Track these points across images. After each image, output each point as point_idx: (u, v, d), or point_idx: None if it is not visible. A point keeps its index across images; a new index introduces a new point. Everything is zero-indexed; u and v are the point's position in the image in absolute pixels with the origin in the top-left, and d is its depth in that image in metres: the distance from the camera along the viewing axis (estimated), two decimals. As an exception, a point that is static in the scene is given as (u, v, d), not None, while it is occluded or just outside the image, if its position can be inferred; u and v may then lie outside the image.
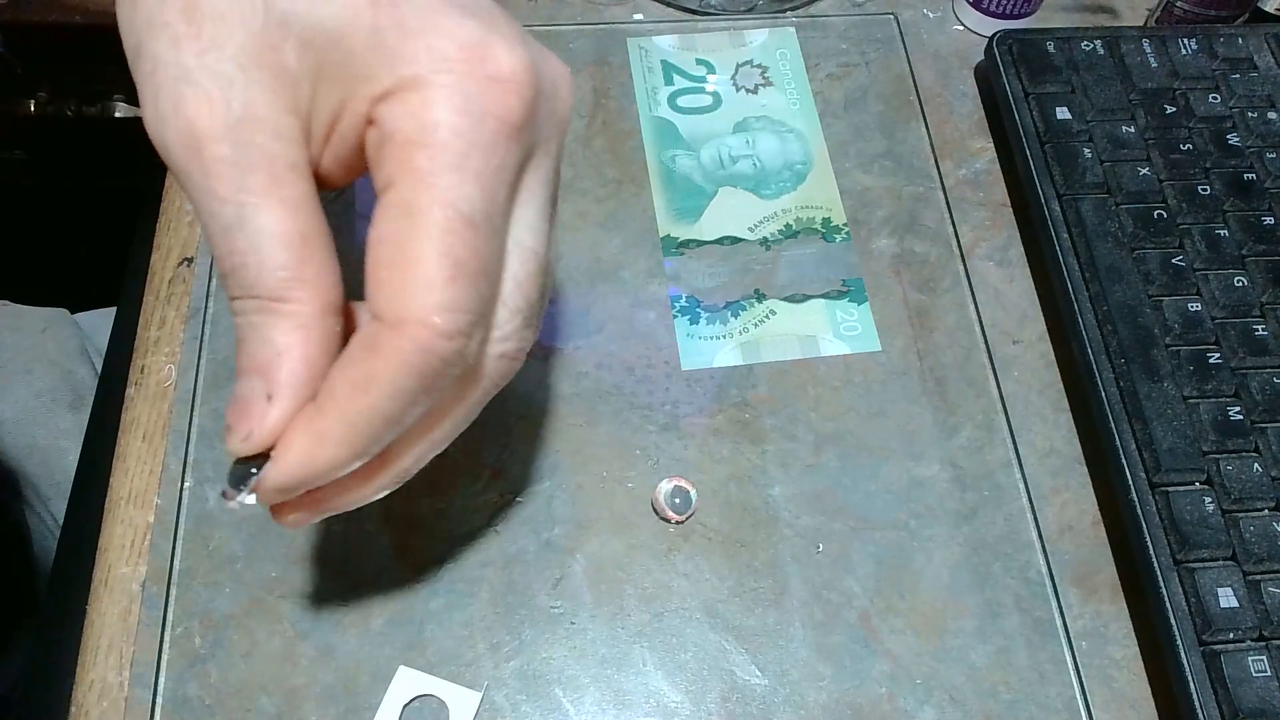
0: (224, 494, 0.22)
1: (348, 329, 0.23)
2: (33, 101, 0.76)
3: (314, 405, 0.21)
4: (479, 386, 0.23)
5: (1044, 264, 0.39)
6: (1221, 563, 0.32)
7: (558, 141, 0.23)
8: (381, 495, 0.25)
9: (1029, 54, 0.42)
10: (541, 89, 0.22)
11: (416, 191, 0.20)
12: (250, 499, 0.22)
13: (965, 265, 0.40)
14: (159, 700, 0.30)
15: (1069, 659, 0.33)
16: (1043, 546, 0.34)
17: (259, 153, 0.20)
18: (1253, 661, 0.30)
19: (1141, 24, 0.46)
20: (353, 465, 0.22)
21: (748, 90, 0.44)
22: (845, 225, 0.41)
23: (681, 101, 0.43)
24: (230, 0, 0.20)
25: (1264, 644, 0.31)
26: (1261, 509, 0.33)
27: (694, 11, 0.46)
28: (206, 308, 0.37)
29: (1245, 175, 0.39)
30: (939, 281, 0.40)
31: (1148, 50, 0.42)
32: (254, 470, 0.22)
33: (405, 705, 0.31)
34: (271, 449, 0.22)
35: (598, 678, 0.32)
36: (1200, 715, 0.30)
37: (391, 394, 0.21)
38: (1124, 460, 0.33)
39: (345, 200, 0.40)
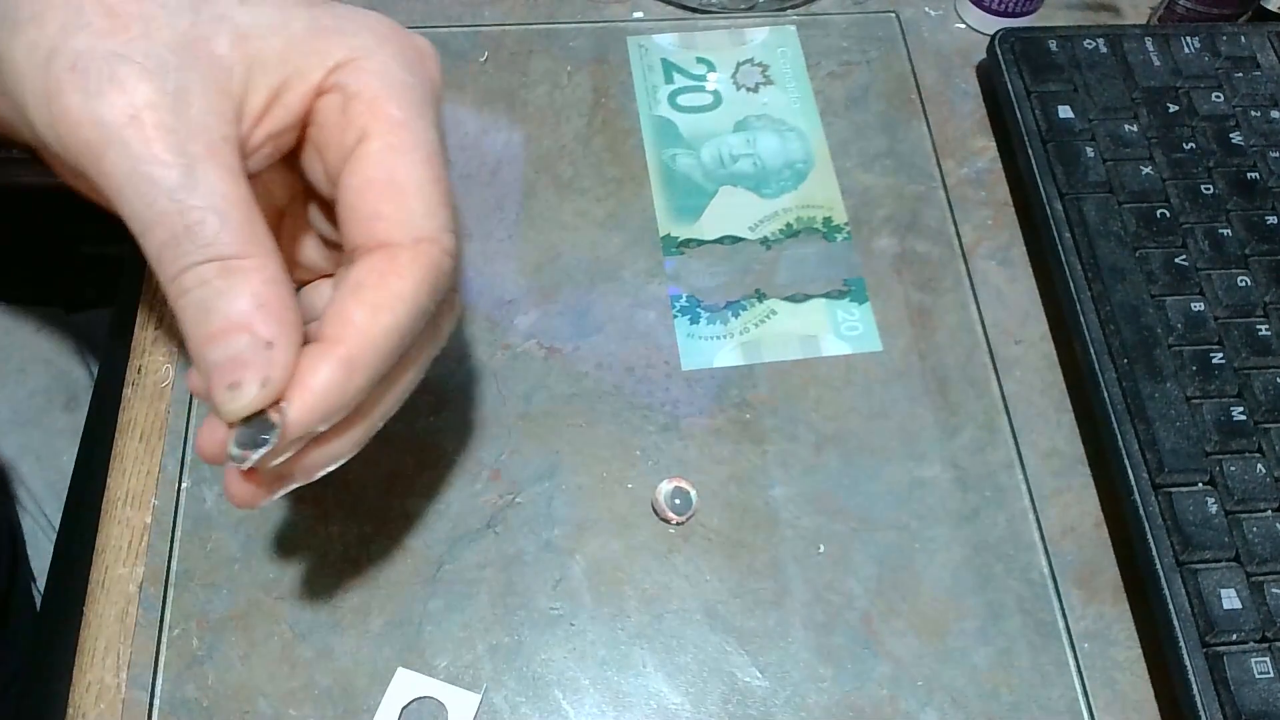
0: (232, 457, 0.22)
1: None
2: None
3: (323, 341, 0.22)
4: (453, 314, 0.26)
5: (1046, 263, 0.39)
6: (1224, 564, 0.32)
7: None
8: (354, 452, 0.25)
9: (1031, 52, 0.42)
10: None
11: (398, 134, 0.23)
12: (261, 453, 0.22)
13: (967, 265, 0.40)
14: (156, 702, 0.30)
15: (1071, 660, 0.32)
16: (1045, 547, 0.34)
17: (197, 122, 0.21)
18: (1255, 663, 0.30)
19: (1144, 22, 0.46)
20: (370, 390, 0.23)
21: (748, 89, 0.44)
22: (846, 224, 0.40)
23: (682, 100, 0.43)
24: (156, 4, 0.21)
25: (1267, 645, 0.30)
26: (1265, 510, 0.33)
27: (694, 10, 0.46)
28: (204, 307, 0.37)
29: (1248, 174, 0.39)
30: (940, 281, 0.39)
31: (1150, 49, 0.42)
32: (272, 420, 0.21)
33: (404, 707, 0.30)
34: (277, 402, 0.21)
35: (597, 679, 0.31)
36: (1203, 717, 0.30)
37: (413, 309, 0.22)
38: (1126, 461, 0.33)
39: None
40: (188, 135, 0.21)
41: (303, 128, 0.24)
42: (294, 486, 0.24)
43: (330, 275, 0.28)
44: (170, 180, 0.21)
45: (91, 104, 0.20)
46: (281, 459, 0.23)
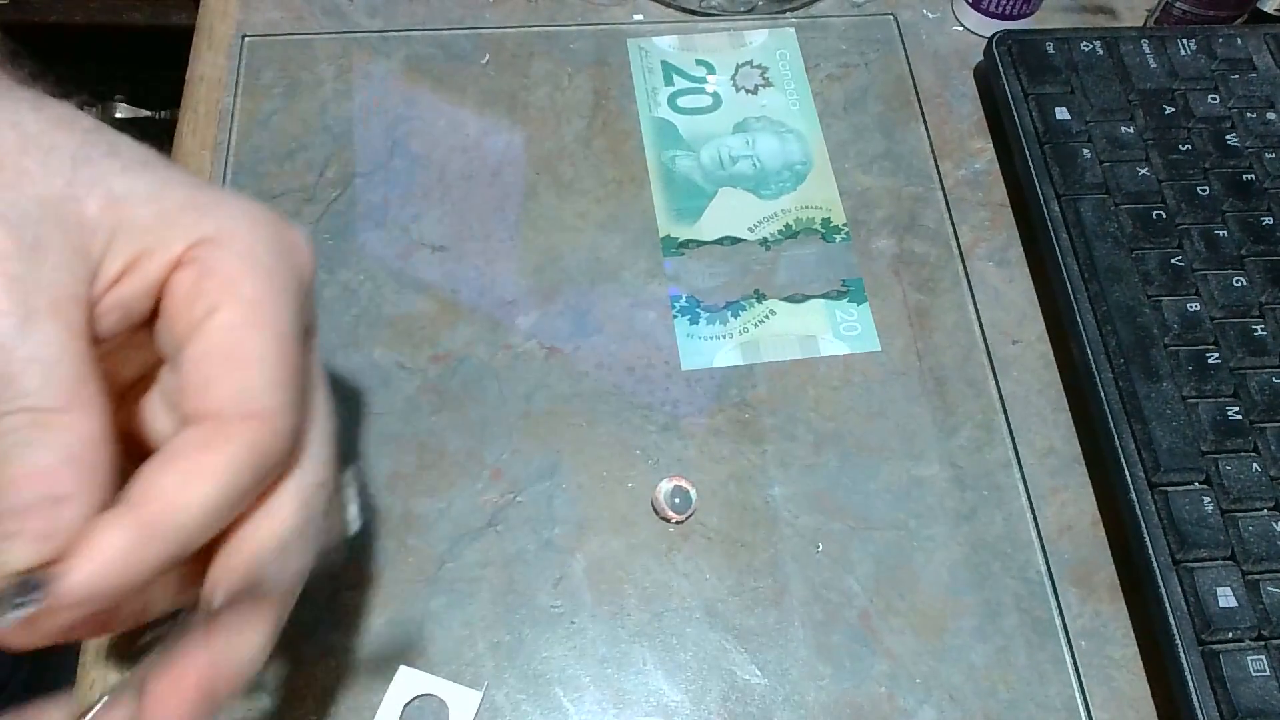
0: None
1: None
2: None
3: (124, 505, 0.20)
4: (318, 500, 0.24)
5: (1043, 264, 0.39)
6: (1220, 562, 0.32)
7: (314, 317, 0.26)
8: (267, 644, 0.23)
9: (1028, 55, 0.42)
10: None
11: (248, 311, 0.22)
12: (21, 614, 0.19)
13: (965, 265, 0.40)
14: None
15: (1068, 658, 0.33)
16: (1042, 546, 0.34)
17: (48, 279, 0.21)
18: (1252, 661, 0.30)
19: (1140, 25, 0.46)
20: (168, 566, 0.21)
21: (747, 91, 0.44)
22: (845, 225, 0.41)
23: (681, 102, 0.44)
24: (36, 159, 0.21)
25: (1263, 644, 0.31)
26: (1260, 509, 0.33)
27: (694, 12, 0.46)
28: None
29: (1244, 175, 0.39)
30: (938, 282, 0.40)
31: (1147, 51, 0.42)
32: (38, 580, 0.19)
33: (406, 705, 0.31)
34: (52, 564, 0.19)
35: (598, 677, 0.32)
36: (1199, 715, 0.30)
37: (228, 485, 0.21)
38: (1123, 460, 0.34)
39: (348, 199, 0.40)
40: (33, 288, 0.20)
41: (157, 300, 0.23)
42: (221, 700, 0.22)
43: None
44: (2, 327, 0.20)
45: None
46: (58, 626, 0.20)
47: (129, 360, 0.25)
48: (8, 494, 0.20)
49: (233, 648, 0.23)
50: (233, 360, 0.22)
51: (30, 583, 0.19)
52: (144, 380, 0.26)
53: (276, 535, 0.23)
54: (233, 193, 0.25)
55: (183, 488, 0.21)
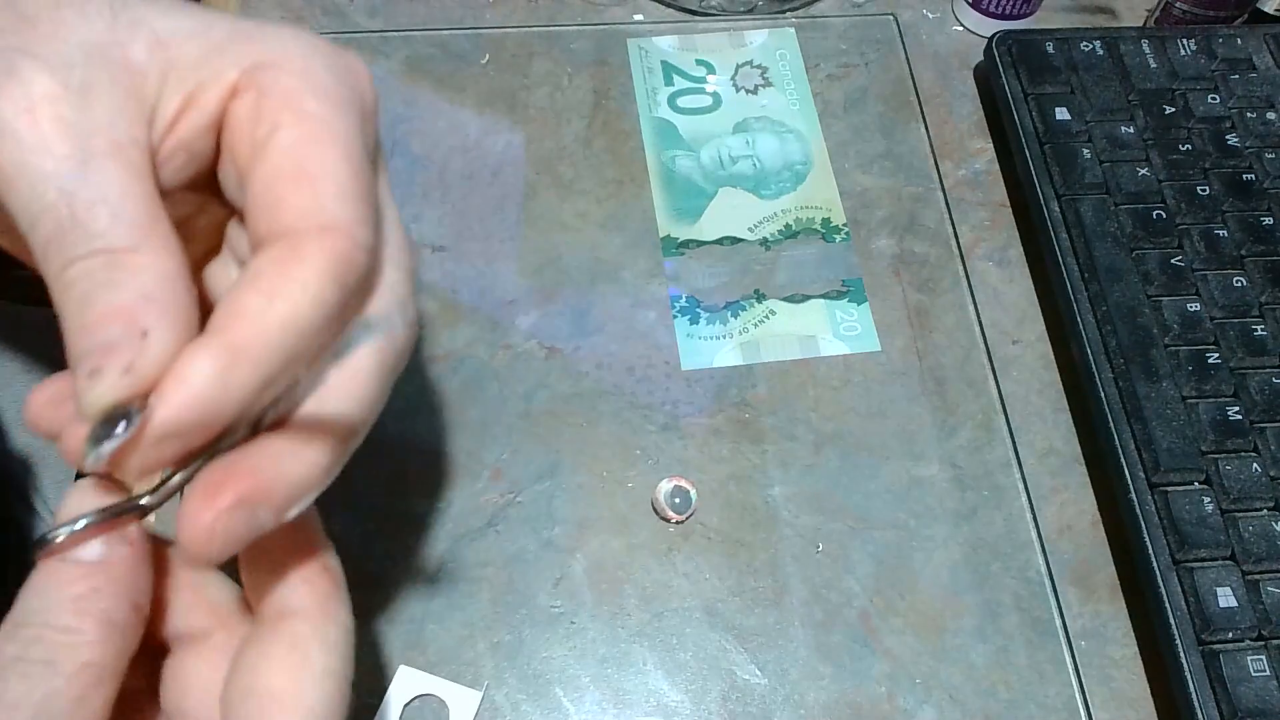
0: (86, 454, 0.18)
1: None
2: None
3: (209, 332, 0.19)
4: (394, 351, 0.23)
5: (1043, 264, 0.39)
6: (1220, 562, 0.32)
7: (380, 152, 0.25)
8: (323, 481, 0.22)
9: (1028, 55, 0.42)
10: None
11: (313, 126, 0.21)
12: (115, 443, 0.18)
13: (965, 265, 0.40)
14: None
15: (1068, 658, 0.33)
16: (1042, 546, 0.34)
17: (101, 120, 0.20)
18: (1251, 661, 0.30)
19: (1140, 25, 0.46)
20: (262, 396, 0.20)
21: (747, 91, 0.44)
22: (845, 225, 0.41)
23: (681, 102, 0.44)
24: (73, 9, 0.20)
25: (1263, 643, 0.31)
26: (1260, 509, 0.33)
27: (694, 12, 0.46)
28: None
29: (1244, 175, 0.39)
30: (938, 282, 0.40)
31: (1147, 51, 0.42)
32: (125, 413, 0.18)
33: (406, 704, 0.31)
34: (139, 398, 0.19)
35: (598, 677, 0.32)
36: (1199, 714, 0.30)
37: (314, 301, 0.20)
38: (1123, 460, 0.34)
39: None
40: (89, 130, 0.20)
41: (218, 137, 0.22)
42: (263, 525, 0.21)
43: None
44: (61, 171, 0.19)
45: None
46: (161, 451, 0.19)
47: (195, 232, 0.25)
48: (90, 333, 0.19)
49: (282, 463, 0.21)
50: (302, 175, 0.21)
51: (117, 416, 0.18)
52: (211, 254, 0.25)
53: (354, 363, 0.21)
54: (281, 25, 0.23)
55: (268, 307, 0.19)
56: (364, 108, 0.23)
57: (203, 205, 0.24)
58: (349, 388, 0.22)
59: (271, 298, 0.19)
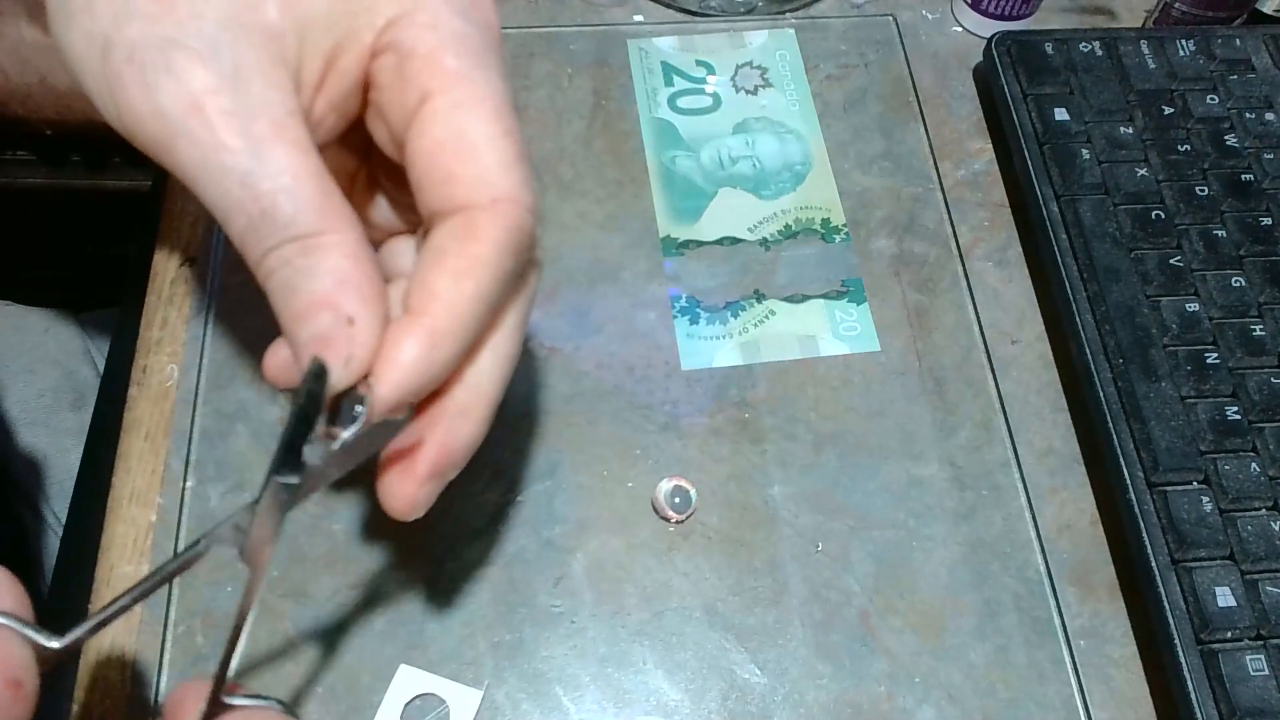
0: (328, 434, 0.21)
1: None
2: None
3: (408, 314, 0.22)
4: (533, 281, 0.25)
5: (1042, 264, 0.39)
6: (1219, 562, 0.32)
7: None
8: (484, 430, 0.25)
9: (1027, 55, 0.42)
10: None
11: (461, 89, 0.22)
12: (352, 431, 0.21)
13: (964, 265, 0.40)
14: (161, 698, 0.31)
15: (1067, 658, 0.33)
16: (1041, 546, 0.35)
17: (258, 101, 0.21)
18: (1250, 660, 0.30)
19: (1139, 25, 0.46)
20: (455, 362, 0.22)
21: (747, 91, 0.44)
22: (844, 226, 0.41)
23: (681, 103, 0.44)
24: None
25: (1261, 643, 0.31)
26: (1259, 508, 0.33)
27: (694, 13, 0.46)
28: (209, 308, 0.37)
29: (1243, 176, 0.39)
30: (938, 282, 0.40)
31: (1146, 51, 0.42)
32: (360, 396, 0.21)
33: (406, 704, 0.31)
34: (366, 378, 0.21)
35: (598, 676, 0.32)
36: (1198, 714, 0.30)
37: (496, 274, 0.22)
38: (1122, 460, 0.34)
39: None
40: (250, 116, 0.20)
41: (364, 92, 0.23)
42: (447, 479, 0.24)
43: (403, 233, 0.27)
44: (240, 165, 0.20)
45: (152, 97, 0.20)
46: (377, 435, 0.22)
47: (343, 159, 0.26)
48: (304, 322, 0.21)
49: (458, 429, 0.24)
50: (462, 148, 0.22)
51: (355, 399, 0.21)
52: (356, 175, 0.27)
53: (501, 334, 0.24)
54: None
55: (457, 286, 0.22)
56: (495, 41, 0.23)
57: (343, 137, 0.25)
58: (496, 343, 0.24)
59: (457, 278, 0.22)
